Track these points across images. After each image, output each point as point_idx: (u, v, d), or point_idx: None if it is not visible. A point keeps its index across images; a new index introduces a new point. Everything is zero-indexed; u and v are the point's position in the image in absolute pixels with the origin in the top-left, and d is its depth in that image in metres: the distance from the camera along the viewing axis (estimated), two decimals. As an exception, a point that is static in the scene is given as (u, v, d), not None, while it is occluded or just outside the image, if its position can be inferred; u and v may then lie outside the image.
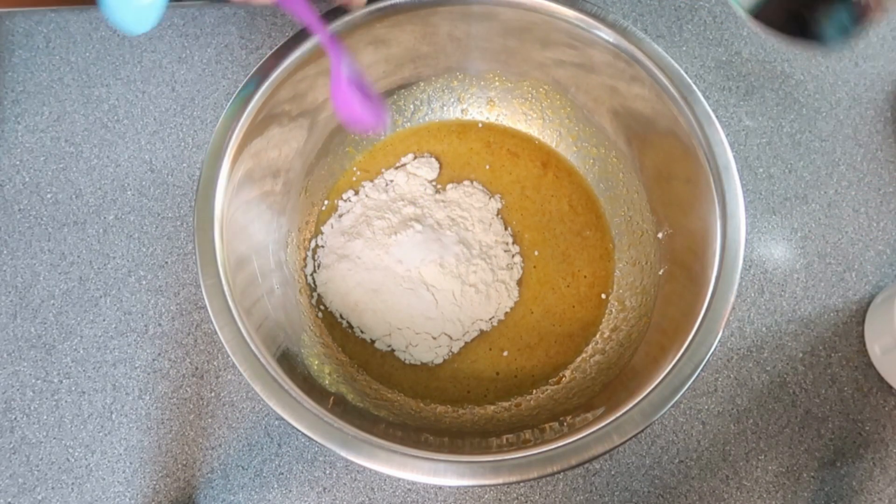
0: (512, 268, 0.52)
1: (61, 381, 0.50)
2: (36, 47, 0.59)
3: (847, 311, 0.52)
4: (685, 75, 0.44)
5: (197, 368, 0.50)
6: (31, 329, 0.51)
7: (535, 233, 0.53)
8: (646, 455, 0.48)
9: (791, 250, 0.53)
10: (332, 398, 0.43)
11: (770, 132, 0.57)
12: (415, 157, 0.55)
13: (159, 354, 0.51)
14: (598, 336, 0.51)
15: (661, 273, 0.48)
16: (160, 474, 0.48)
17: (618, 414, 0.38)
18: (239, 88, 0.44)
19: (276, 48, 0.45)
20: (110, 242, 0.53)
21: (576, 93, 0.52)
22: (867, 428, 0.49)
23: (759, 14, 0.32)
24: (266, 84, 0.45)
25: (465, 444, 0.42)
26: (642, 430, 0.38)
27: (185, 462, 0.48)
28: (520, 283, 0.52)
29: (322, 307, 0.51)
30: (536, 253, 0.53)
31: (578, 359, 0.50)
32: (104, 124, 0.57)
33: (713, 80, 0.58)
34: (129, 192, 0.55)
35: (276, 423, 0.49)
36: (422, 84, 0.54)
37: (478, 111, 0.56)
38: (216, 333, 0.40)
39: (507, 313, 0.51)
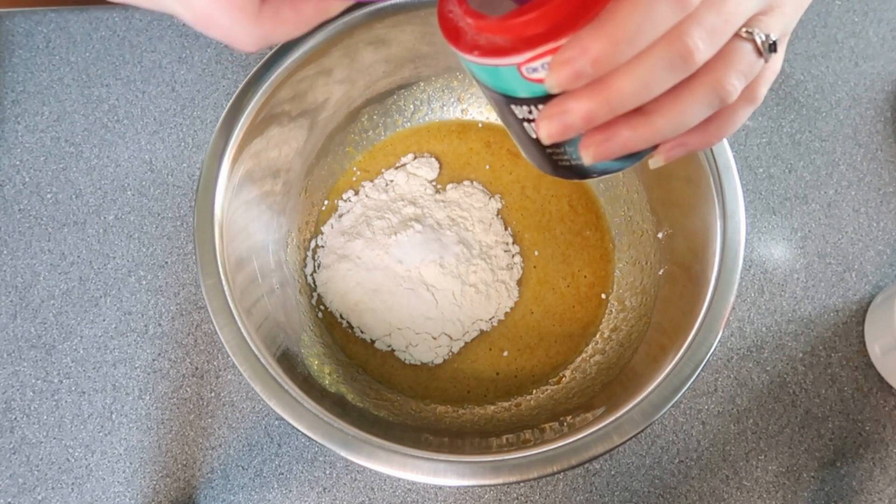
0: (512, 268, 0.52)
1: (61, 381, 0.50)
2: (36, 47, 0.59)
3: (847, 311, 0.52)
4: (685, 75, 0.44)
5: (197, 368, 0.50)
6: (31, 329, 0.51)
7: (535, 233, 0.53)
8: (646, 455, 0.48)
9: (791, 250, 0.53)
10: (332, 398, 0.43)
11: (770, 132, 0.57)
12: (415, 157, 0.55)
13: (159, 354, 0.51)
14: (598, 336, 0.51)
15: (661, 273, 0.48)
16: (160, 474, 0.48)
17: (618, 414, 0.38)
18: (239, 88, 0.44)
19: (276, 48, 0.45)
20: (110, 242, 0.53)
21: (576, 93, 0.52)
22: (867, 428, 0.49)
23: (532, 163, 0.32)
24: (266, 84, 0.45)
25: (465, 444, 0.42)
26: (642, 430, 0.38)
27: (185, 462, 0.48)
28: (520, 283, 0.52)
29: (322, 307, 0.51)
30: (536, 253, 0.53)
31: (578, 359, 0.50)
32: (104, 124, 0.57)
33: (713, 80, 0.58)
34: (129, 192, 0.55)
35: (276, 423, 0.49)
36: (422, 84, 0.54)
37: (478, 111, 0.56)
38: (216, 333, 0.40)
39: (507, 313, 0.51)
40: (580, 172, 0.30)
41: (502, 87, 0.27)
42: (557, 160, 0.30)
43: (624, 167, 0.30)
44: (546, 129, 0.26)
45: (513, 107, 0.28)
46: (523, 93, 0.27)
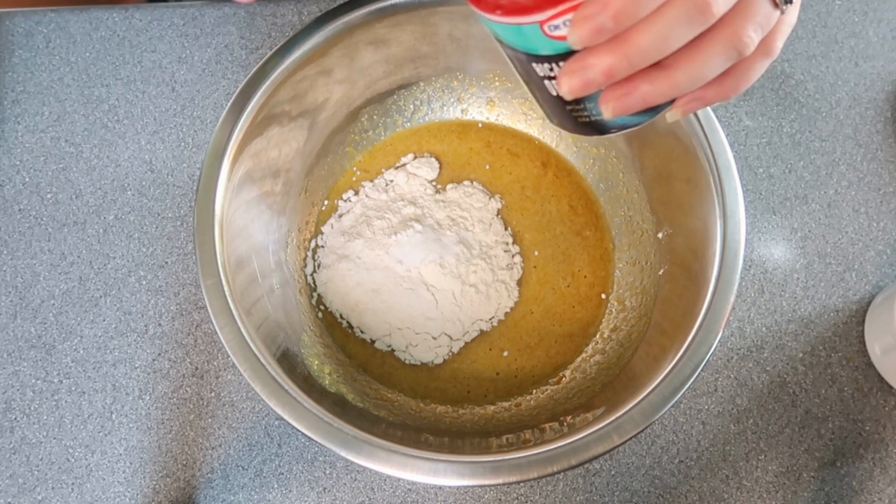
0: (512, 268, 0.52)
1: (61, 381, 0.50)
2: (36, 47, 0.59)
3: (847, 311, 0.52)
4: (685, 75, 0.44)
5: (197, 368, 0.50)
6: (31, 329, 0.51)
7: (535, 233, 0.53)
8: (646, 455, 0.48)
9: (791, 250, 0.53)
10: (332, 398, 0.43)
11: (770, 132, 0.57)
12: (415, 157, 0.55)
13: (159, 354, 0.51)
14: (598, 336, 0.51)
15: (661, 273, 0.48)
16: (160, 474, 0.48)
17: (618, 414, 0.38)
18: (239, 88, 0.44)
19: (276, 48, 0.45)
20: (110, 242, 0.53)
21: (576, 93, 0.52)
22: (867, 428, 0.49)
23: (552, 122, 0.32)
24: (266, 84, 0.45)
25: (465, 444, 0.42)
26: (642, 430, 0.38)
27: (185, 462, 0.48)
28: (520, 283, 0.52)
29: (322, 307, 0.51)
30: (536, 253, 0.53)
31: (578, 359, 0.50)
32: (104, 124, 0.57)
33: (713, 80, 0.58)
34: (129, 192, 0.55)
35: (276, 423, 0.49)
36: (422, 84, 0.54)
37: (478, 111, 0.56)
38: (216, 333, 0.40)
39: (507, 313, 0.51)
40: (599, 128, 0.31)
41: (525, 46, 0.28)
42: (577, 116, 0.30)
43: (643, 122, 0.30)
44: (567, 84, 0.27)
45: (534, 65, 0.28)
46: (545, 50, 0.27)
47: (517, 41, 0.28)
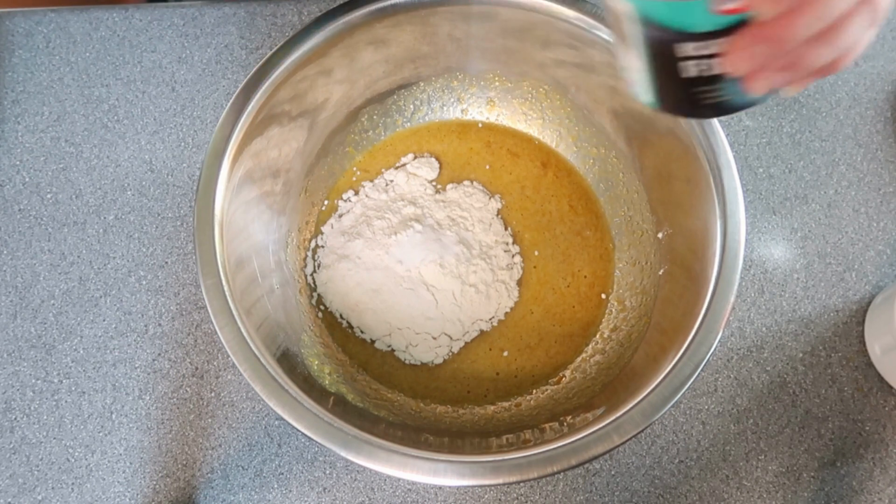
0: (512, 268, 0.52)
1: (61, 381, 0.50)
2: (36, 47, 0.59)
3: (847, 311, 0.52)
4: (685, 75, 0.44)
5: (197, 368, 0.50)
6: (31, 329, 0.51)
7: (535, 233, 0.53)
8: (646, 455, 0.48)
9: (791, 250, 0.53)
10: (332, 398, 0.43)
11: (770, 132, 0.57)
12: (415, 157, 0.55)
13: (159, 354, 0.51)
14: (598, 336, 0.51)
15: (661, 273, 0.48)
16: (160, 474, 0.48)
17: (618, 414, 0.38)
18: (239, 88, 0.44)
19: (276, 48, 0.45)
20: (110, 242, 0.53)
21: (576, 93, 0.52)
22: (867, 428, 0.49)
23: (662, 107, 0.31)
24: (266, 84, 0.45)
25: (465, 444, 0.42)
26: (642, 430, 0.38)
27: (185, 462, 0.48)
28: (520, 283, 0.52)
29: (322, 307, 0.51)
30: (536, 253, 0.53)
31: (578, 359, 0.50)
32: (104, 124, 0.57)
33: (713, 80, 0.58)
34: (129, 192, 0.55)
35: (276, 423, 0.49)
36: (422, 84, 0.54)
37: (478, 111, 0.56)
38: (216, 333, 0.40)
39: (507, 313, 0.51)
40: (721, 109, 0.30)
41: (682, 23, 0.27)
42: (703, 98, 0.30)
43: (765, 100, 0.30)
44: (739, 60, 0.27)
45: (679, 45, 0.28)
46: (705, 27, 0.27)
47: (674, 19, 0.27)
